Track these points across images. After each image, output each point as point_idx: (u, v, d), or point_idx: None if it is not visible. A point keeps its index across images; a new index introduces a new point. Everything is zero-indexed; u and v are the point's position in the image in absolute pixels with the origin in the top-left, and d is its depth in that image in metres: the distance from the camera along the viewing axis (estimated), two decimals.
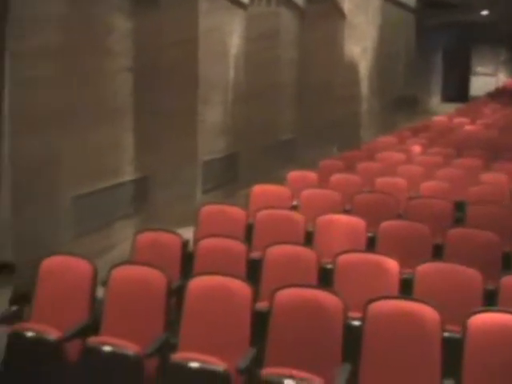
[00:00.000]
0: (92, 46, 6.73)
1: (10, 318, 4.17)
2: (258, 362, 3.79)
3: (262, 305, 4.23)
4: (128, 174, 7.32)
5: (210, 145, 8.78)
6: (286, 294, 3.99)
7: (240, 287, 4.04)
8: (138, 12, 7.46)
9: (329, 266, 4.87)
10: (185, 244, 5.08)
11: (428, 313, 3.74)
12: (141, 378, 3.70)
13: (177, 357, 3.67)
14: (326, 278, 4.74)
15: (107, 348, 3.71)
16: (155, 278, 4.11)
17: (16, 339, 3.89)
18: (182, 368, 3.59)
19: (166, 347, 3.88)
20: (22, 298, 4.51)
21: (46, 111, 6.15)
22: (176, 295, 4.33)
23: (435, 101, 25.51)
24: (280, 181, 7.86)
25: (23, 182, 6.17)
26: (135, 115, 7.53)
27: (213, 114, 9.00)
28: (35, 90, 6.10)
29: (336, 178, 7.82)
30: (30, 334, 3.85)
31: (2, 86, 6.39)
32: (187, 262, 4.97)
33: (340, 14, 13.06)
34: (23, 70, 6.16)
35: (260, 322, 3.97)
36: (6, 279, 5.80)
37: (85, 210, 6.33)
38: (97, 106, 6.80)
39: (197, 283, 4.11)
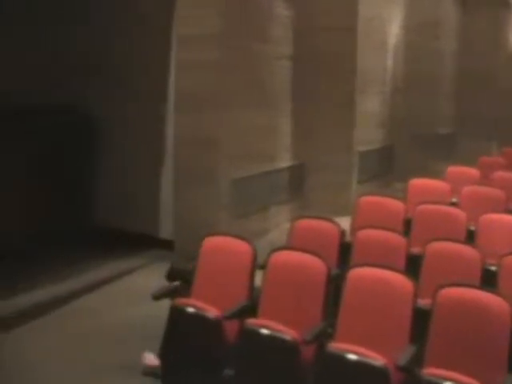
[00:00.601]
0: (253, 32, 6.82)
1: (171, 293, 4.31)
2: (417, 360, 3.68)
3: (422, 301, 4.09)
4: (284, 161, 7.37)
5: (367, 135, 8.66)
6: (450, 293, 3.81)
7: (401, 281, 3.91)
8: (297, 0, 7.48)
9: (492, 268, 4.65)
10: (342, 233, 5.04)
11: None
12: (297, 364, 3.70)
13: (334, 347, 3.63)
14: (489, 280, 4.52)
15: (265, 331, 3.73)
16: (315, 265, 4.07)
17: (177, 314, 4.02)
18: (340, 359, 3.54)
19: (324, 335, 3.86)
20: (178, 275, 4.65)
21: (209, 95, 6.32)
22: (333, 284, 4.30)
23: None
24: (436, 175, 7.62)
25: (185, 164, 6.39)
26: (293, 102, 7.56)
27: (370, 105, 8.86)
28: (199, 73, 6.27)
29: (499, 175, 7.47)
30: (190, 309, 3.96)
31: (168, 69, 6.64)
32: (344, 252, 4.93)
33: (504, 2, 12.43)
34: (188, 54, 6.35)
35: (420, 319, 3.86)
36: (165, 256, 6.05)
37: (242, 193, 6.45)
38: (257, 91, 6.88)
39: (356, 274, 4.02)
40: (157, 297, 4.27)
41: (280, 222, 7.01)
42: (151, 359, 4.34)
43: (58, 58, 6.93)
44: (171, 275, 4.65)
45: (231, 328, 3.99)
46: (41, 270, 5.79)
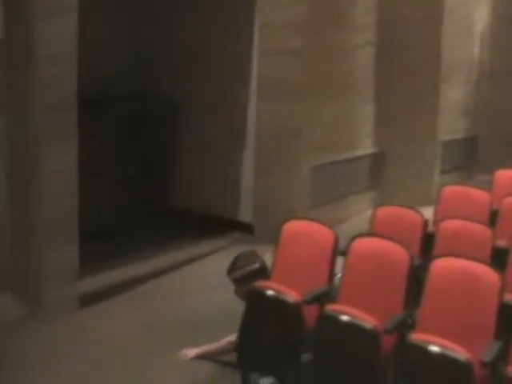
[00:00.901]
0: (336, 19, 6.75)
1: (250, 276, 4.31)
2: (502, 357, 3.56)
3: (509, 296, 3.96)
4: (365, 149, 7.29)
5: (450, 125, 8.45)
6: None
7: (487, 274, 3.77)
8: None
9: None
10: (425, 223, 4.94)
11: None
12: (376, 353, 3.62)
13: (416, 338, 3.56)
14: None
15: (345, 318, 3.69)
16: (397, 253, 4.00)
17: (257, 297, 4.03)
18: (422, 350, 3.45)
19: (404, 326, 3.79)
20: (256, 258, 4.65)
21: (291, 82, 6.30)
22: (414, 274, 4.22)
23: None
24: None
25: (266, 150, 6.40)
26: (375, 90, 7.46)
27: (455, 94, 8.64)
28: (282, 61, 6.26)
29: None
30: (270, 293, 3.96)
31: (250, 57, 6.65)
32: (427, 242, 4.83)
33: None
34: (271, 41, 6.34)
35: (506, 315, 3.73)
36: (246, 239, 6.10)
37: (322, 180, 6.43)
38: (339, 78, 6.83)
39: (440, 264, 3.90)
40: (236, 280, 4.30)
41: (359, 211, 6.95)
42: (190, 352, 4.38)
43: (144, 44, 7.08)
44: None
45: (310, 313, 3.97)
46: (124, 250, 5.98)
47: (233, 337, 4.23)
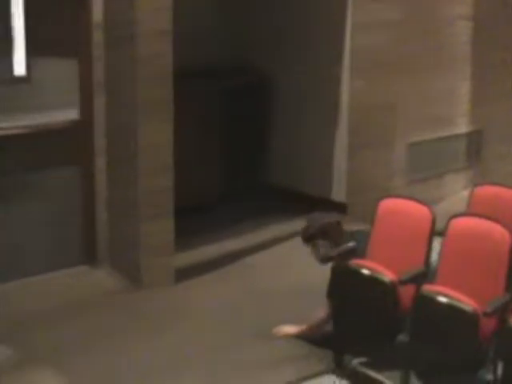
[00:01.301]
0: None
1: (342, 255, 4.27)
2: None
3: None
4: (462, 126, 7.05)
5: None
6: None
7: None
8: None
9: None
10: None
11: None
12: (476, 337, 3.54)
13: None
14: None
15: (443, 299, 3.60)
16: (498, 233, 3.83)
17: (351, 276, 3.99)
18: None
19: (506, 309, 3.66)
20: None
21: (386, 56, 6.15)
22: None
23: None
24: None
25: (360, 126, 6.30)
26: (472, 66, 7.20)
27: None
28: (377, 35, 6.12)
29: None
30: (365, 271, 3.91)
31: (343, 30, 6.53)
32: None
33: None
34: (366, 14, 6.20)
35: None
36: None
37: (417, 158, 6.28)
38: (436, 53, 6.62)
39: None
40: (324, 259, 4.26)
41: (456, 190, 6.75)
42: (285, 330, 4.39)
43: (236, 18, 7.10)
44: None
45: (406, 293, 3.90)
46: (218, 225, 6.11)
47: (321, 312, 4.23)
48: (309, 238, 4.34)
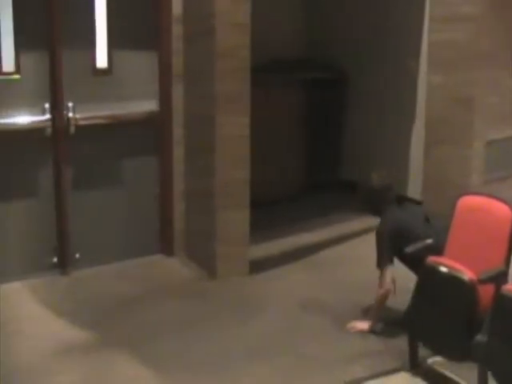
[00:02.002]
0: None
1: (421, 251, 4.22)
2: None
3: None
4: None
5: None
6: None
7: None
8: None
9: None
10: None
11: None
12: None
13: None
14: None
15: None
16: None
17: (429, 273, 3.92)
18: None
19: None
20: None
21: (464, 50, 5.99)
22: None
23: None
24: None
25: (437, 122, 6.17)
26: None
27: None
28: (456, 30, 5.98)
29: None
30: (444, 269, 3.83)
31: (421, 24, 6.43)
32: None
33: None
34: (443, 7, 6.08)
35: None
36: None
37: (496, 156, 6.13)
38: None
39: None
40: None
41: None
42: (359, 325, 4.37)
43: (315, 12, 7.09)
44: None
45: (485, 293, 3.83)
46: (293, 219, 6.16)
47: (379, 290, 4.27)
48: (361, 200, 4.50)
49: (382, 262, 4.32)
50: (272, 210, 6.15)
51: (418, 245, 4.18)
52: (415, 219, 4.44)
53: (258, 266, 5.22)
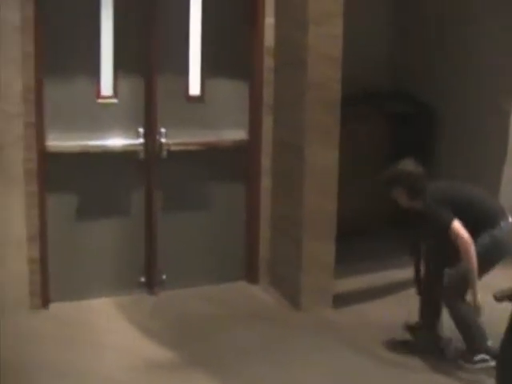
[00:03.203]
0: None
1: None
2: None
3: None
4: None
5: None
6: None
7: None
8: None
9: None
10: None
11: None
12: None
13: None
14: None
15: None
16: None
17: None
18: None
19: None
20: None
21: None
22: None
23: None
24: None
25: None
26: None
27: None
28: None
29: None
30: None
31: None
32: None
33: None
34: None
35: None
36: None
37: None
38: None
39: None
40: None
41: None
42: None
43: (402, 44, 7.10)
44: None
45: None
46: (383, 252, 6.12)
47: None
48: (386, 182, 4.40)
49: (447, 220, 4.19)
50: (358, 242, 6.08)
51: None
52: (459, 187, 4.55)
53: (342, 299, 5.18)
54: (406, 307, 4.88)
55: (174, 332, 4.71)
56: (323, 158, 5.02)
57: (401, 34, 7.21)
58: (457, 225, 4.18)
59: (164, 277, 5.32)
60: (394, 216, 6.49)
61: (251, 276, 5.60)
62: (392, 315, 4.99)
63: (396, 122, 6.72)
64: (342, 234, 5.17)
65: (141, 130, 5.14)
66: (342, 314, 5.06)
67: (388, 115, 6.69)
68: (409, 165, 4.48)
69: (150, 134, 5.16)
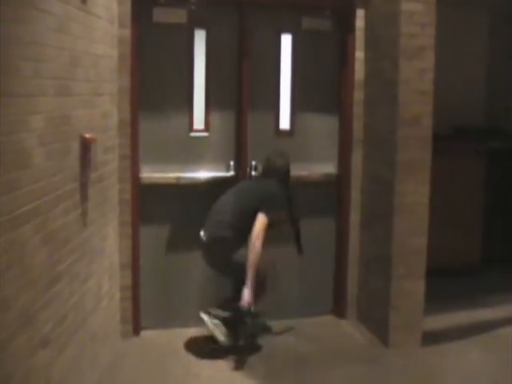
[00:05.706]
0: None
1: None
2: None
3: None
4: None
5: None
6: None
7: None
8: None
9: None
10: None
11: None
12: None
13: None
14: None
15: None
16: None
17: None
18: None
19: None
20: None
21: None
22: None
23: None
24: None
25: None
26: None
27: None
28: None
29: None
30: None
31: None
32: None
33: None
34: None
35: None
36: None
37: None
38: None
39: None
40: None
41: None
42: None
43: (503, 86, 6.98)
44: None
45: None
46: (476, 291, 6.01)
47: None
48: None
49: None
50: (447, 280, 5.97)
51: None
52: None
53: (431, 338, 5.06)
54: (496, 350, 4.78)
55: (268, 366, 4.69)
56: (414, 194, 4.94)
57: (495, 70, 7.09)
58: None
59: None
60: (488, 254, 6.41)
61: (339, 311, 5.56)
62: (483, 358, 4.84)
63: (489, 159, 6.58)
64: (432, 271, 5.08)
65: (231, 162, 5.24)
66: (432, 354, 4.91)
67: (481, 151, 6.55)
68: (281, 160, 5.04)
69: (241, 167, 5.24)
